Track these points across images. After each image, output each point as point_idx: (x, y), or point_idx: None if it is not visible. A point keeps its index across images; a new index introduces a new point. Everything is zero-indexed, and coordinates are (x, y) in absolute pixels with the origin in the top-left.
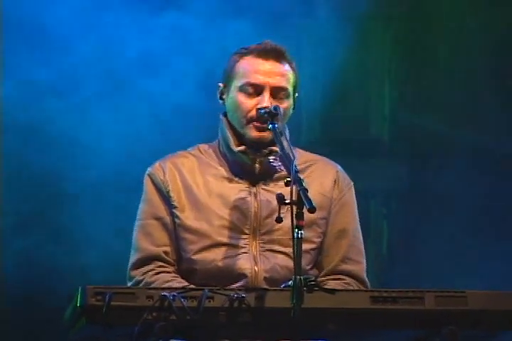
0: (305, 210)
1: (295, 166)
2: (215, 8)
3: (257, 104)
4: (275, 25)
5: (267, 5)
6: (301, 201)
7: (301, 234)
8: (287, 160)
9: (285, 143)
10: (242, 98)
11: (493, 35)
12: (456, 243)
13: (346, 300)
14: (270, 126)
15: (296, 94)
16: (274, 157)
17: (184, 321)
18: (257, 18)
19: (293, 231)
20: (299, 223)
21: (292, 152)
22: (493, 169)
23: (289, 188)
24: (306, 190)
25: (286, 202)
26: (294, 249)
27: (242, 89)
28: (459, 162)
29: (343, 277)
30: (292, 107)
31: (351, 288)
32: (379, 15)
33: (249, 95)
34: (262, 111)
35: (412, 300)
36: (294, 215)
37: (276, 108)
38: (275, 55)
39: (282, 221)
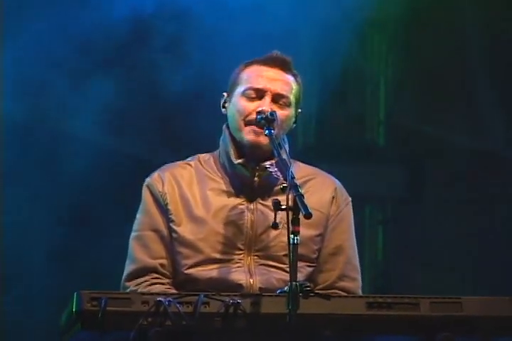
0: (303, 226)
1: (291, 172)
2: None
3: (257, 108)
4: (270, 28)
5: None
6: (297, 207)
7: (296, 239)
8: (284, 167)
9: (282, 151)
10: (243, 101)
11: (490, 39)
12: (451, 248)
13: (342, 306)
14: (266, 131)
15: (299, 110)
16: (270, 163)
17: (180, 326)
18: (248, 24)
19: (288, 237)
20: (294, 229)
21: (289, 159)
22: (489, 172)
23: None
24: (302, 196)
25: (282, 207)
26: (289, 254)
27: (244, 93)
28: (454, 166)
29: (338, 292)
30: (294, 120)
31: None
32: (375, 20)
33: (251, 99)
34: (259, 116)
35: (407, 306)
36: (289, 221)
37: (272, 114)
38: (281, 63)
39: (278, 227)
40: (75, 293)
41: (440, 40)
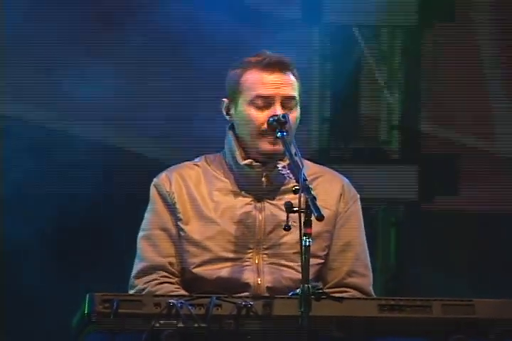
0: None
1: (303, 174)
2: None
3: (268, 116)
4: (283, 32)
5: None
6: (310, 209)
7: (309, 242)
8: (296, 168)
9: (294, 152)
10: (252, 111)
11: (503, 43)
12: (465, 250)
13: (354, 308)
14: (279, 133)
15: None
16: (282, 165)
17: (191, 329)
18: (263, 23)
19: (301, 239)
20: (307, 231)
21: (301, 160)
22: (502, 175)
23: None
24: (315, 198)
25: (295, 209)
26: (301, 256)
27: (252, 102)
28: (467, 168)
29: (348, 289)
30: (300, 118)
31: None
32: (388, 24)
33: (260, 108)
34: (271, 119)
35: (419, 308)
36: (301, 223)
37: (284, 116)
38: (280, 67)
39: (290, 229)
40: (87, 295)
41: (453, 43)
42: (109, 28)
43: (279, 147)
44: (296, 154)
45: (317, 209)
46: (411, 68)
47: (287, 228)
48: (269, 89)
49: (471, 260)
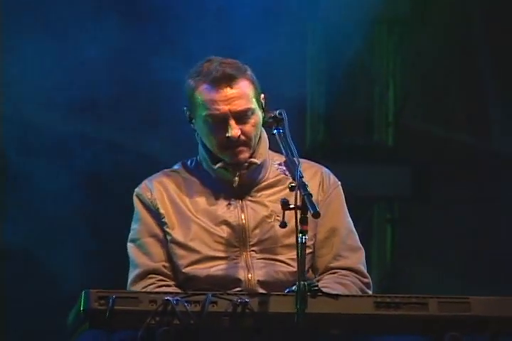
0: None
1: (300, 172)
2: None
3: (225, 133)
4: (277, 28)
5: (265, 6)
6: (306, 206)
7: (305, 239)
8: (292, 166)
9: (293, 148)
10: (208, 130)
11: (498, 39)
12: (460, 248)
13: (350, 306)
14: (275, 131)
15: (262, 96)
16: (279, 162)
17: (187, 326)
18: (256, 17)
19: (297, 236)
20: (303, 228)
21: (297, 157)
22: (497, 172)
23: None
24: (311, 195)
25: (291, 207)
26: (297, 253)
27: (205, 121)
28: (462, 166)
29: (338, 270)
30: (262, 115)
31: (347, 279)
32: (383, 19)
33: (214, 125)
34: (267, 117)
35: (415, 305)
36: (298, 220)
37: (281, 113)
38: (226, 81)
39: (286, 226)
40: (83, 292)
41: (448, 40)
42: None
43: (243, 155)
44: (292, 151)
45: (313, 206)
46: (406, 65)
47: (283, 225)
48: (218, 107)
49: (467, 258)
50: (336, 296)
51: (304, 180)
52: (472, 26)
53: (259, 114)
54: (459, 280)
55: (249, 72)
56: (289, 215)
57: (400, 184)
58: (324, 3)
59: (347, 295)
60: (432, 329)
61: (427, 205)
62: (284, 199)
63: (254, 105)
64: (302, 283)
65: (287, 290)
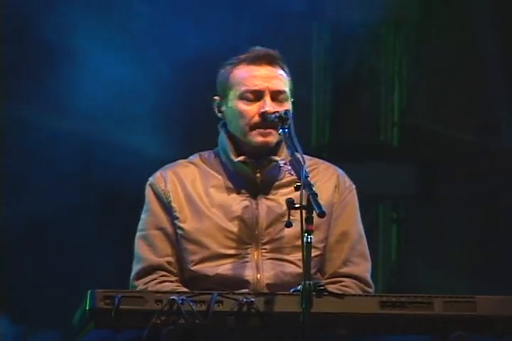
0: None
1: (305, 171)
2: None
3: (259, 110)
4: (283, 28)
5: (272, 6)
6: (311, 206)
7: (310, 238)
8: (297, 165)
9: (298, 148)
10: (243, 106)
11: (504, 39)
12: (465, 247)
13: (355, 305)
14: (280, 130)
15: (292, 99)
16: (284, 161)
17: (193, 325)
18: (261, 20)
19: (302, 236)
20: (308, 228)
21: (302, 156)
22: (501, 171)
23: (296, 193)
24: (316, 195)
25: (296, 206)
26: (303, 253)
27: (242, 96)
28: (467, 165)
29: (342, 279)
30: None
31: (349, 289)
32: (389, 21)
33: (250, 102)
34: (273, 115)
35: (420, 305)
36: (303, 219)
37: (286, 112)
38: (269, 60)
39: (291, 225)
40: (89, 291)
41: (454, 40)
42: None
43: (271, 139)
44: (297, 150)
45: (318, 206)
46: (412, 65)
47: (289, 225)
48: (258, 83)
49: (472, 257)
50: (342, 296)
51: (309, 179)
52: (480, 26)
53: (290, 106)
54: (464, 279)
55: (287, 68)
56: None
57: (405, 183)
58: (330, 3)
59: (353, 295)
60: (437, 328)
61: (433, 204)
62: (290, 198)
63: (288, 95)
64: (308, 282)
65: (292, 289)
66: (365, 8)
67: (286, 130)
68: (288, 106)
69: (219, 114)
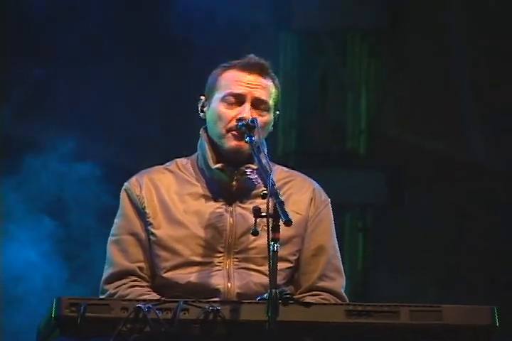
0: (282, 227)
1: (272, 179)
2: None
3: (238, 115)
4: (250, 36)
5: (241, 16)
6: (278, 214)
7: (277, 247)
8: (264, 173)
9: (262, 156)
10: (222, 108)
11: (473, 49)
12: (431, 255)
13: (321, 314)
14: (247, 138)
15: (277, 112)
16: (250, 170)
17: (159, 333)
18: (231, 29)
19: (268, 244)
20: (275, 236)
21: (269, 165)
22: (468, 179)
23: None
24: (283, 203)
25: (263, 214)
26: (269, 261)
27: (224, 99)
28: (434, 174)
29: (320, 293)
30: (272, 124)
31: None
32: (356, 31)
33: (231, 105)
34: (240, 123)
35: (387, 314)
36: (270, 228)
37: (253, 120)
38: (259, 68)
39: (258, 233)
40: (55, 299)
41: (422, 48)
42: None
43: (243, 144)
44: (265, 158)
45: (285, 214)
46: (379, 72)
47: (255, 233)
48: (241, 88)
49: (442, 265)
50: (308, 304)
51: (276, 187)
52: (448, 35)
53: (271, 118)
54: (433, 288)
55: (277, 81)
56: (283, 228)
57: (372, 192)
58: (297, 14)
59: (318, 304)
60: (403, 337)
61: (401, 212)
62: (256, 207)
63: (271, 104)
64: (274, 290)
65: (259, 298)
66: (331, 19)
67: (253, 138)
68: (268, 117)
69: (201, 114)
